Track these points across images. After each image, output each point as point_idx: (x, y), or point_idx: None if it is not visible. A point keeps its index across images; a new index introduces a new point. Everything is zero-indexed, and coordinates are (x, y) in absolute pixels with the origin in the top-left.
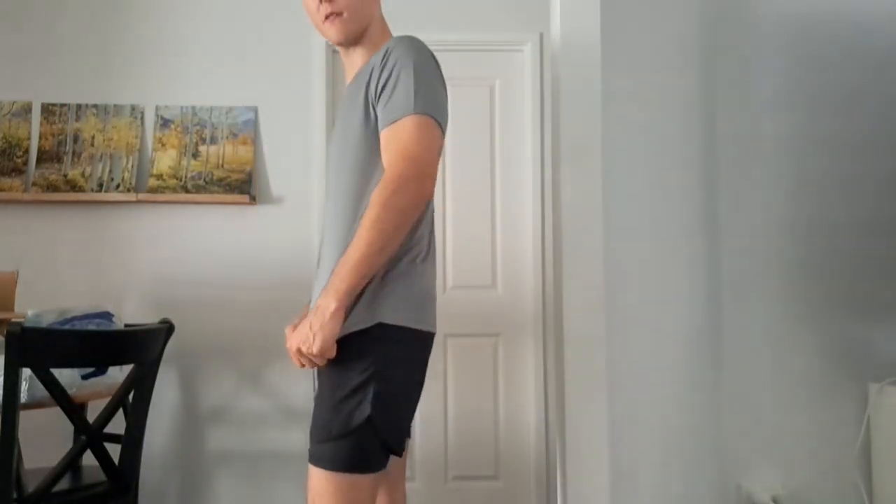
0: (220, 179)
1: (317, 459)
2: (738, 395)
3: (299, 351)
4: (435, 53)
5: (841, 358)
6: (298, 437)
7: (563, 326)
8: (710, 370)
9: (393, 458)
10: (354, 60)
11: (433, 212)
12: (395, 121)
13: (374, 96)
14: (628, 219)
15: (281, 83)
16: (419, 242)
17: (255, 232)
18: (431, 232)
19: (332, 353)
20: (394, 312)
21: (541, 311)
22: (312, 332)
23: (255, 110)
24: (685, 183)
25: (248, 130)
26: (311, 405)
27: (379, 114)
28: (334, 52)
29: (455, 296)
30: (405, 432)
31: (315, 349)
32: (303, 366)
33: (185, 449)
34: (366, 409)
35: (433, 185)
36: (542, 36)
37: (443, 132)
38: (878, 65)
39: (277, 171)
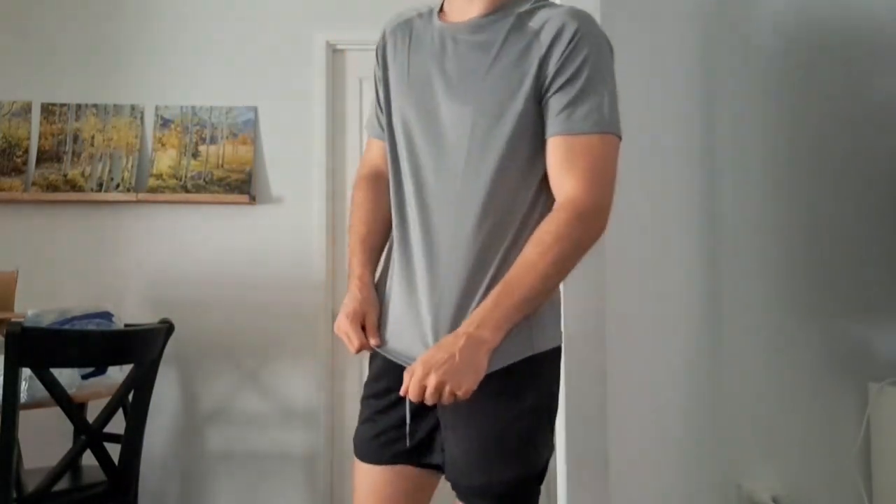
0: (220, 179)
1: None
2: (738, 396)
3: (436, 388)
4: None
5: (841, 358)
6: (298, 438)
7: (563, 326)
8: (709, 370)
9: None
10: (474, 3)
11: None
12: (591, 133)
13: (548, 79)
14: (628, 219)
15: (281, 83)
16: None
17: (255, 232)
18: None
19: (465, 394)
20: (557, 331)
21: None
22: (459, 365)
23: (255, 110)
24: (685, 183)
25: (247, 130)
26: (310, 405)
27: (557, 110)
28: (334, 52)
29: None
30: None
31: (462, 391)
32: (421, 401)
33: (185, 449)
34: (551, 443)
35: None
36: None
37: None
38: (880, 64)
39: (277, 171)
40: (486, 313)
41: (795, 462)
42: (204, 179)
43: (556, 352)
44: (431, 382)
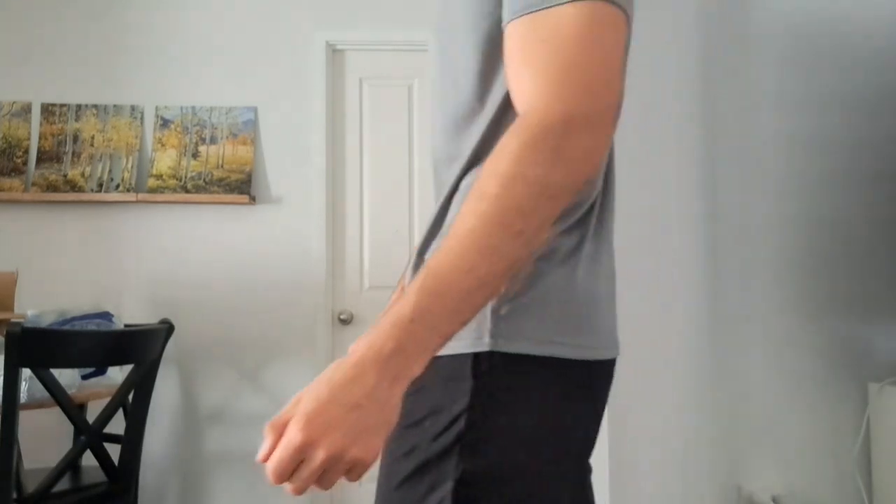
0: (220, 179)
1: None
2: (738, 395)
3: (333, 458)
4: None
5: (841, 358)
6: None
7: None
8: (710, 370)
9: None
10: None
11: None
12: (540, 7)
13: None
14: (628, 218)
15: (281, 83)
16: (582, 192)
17: (255, 232)
18: (608, 181)
19: (375, 460)
20: (533, 330)
21: None
22: (340, 416)
23: (255, 110)
24: (685, 183)
25: (247, 130)
26: None
27: None
28: (334, 52)
29: None
30: None
31: (350, 455)
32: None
33: (185, 449)
34: None
35: (614, 125)
36: None
37: (629, 23)
38: (879, 63)
39: (277, 171)
40: (400, 322)
41: (795, 462)
42: (204, 180)
43: (530, 362)
44: (318, 456)
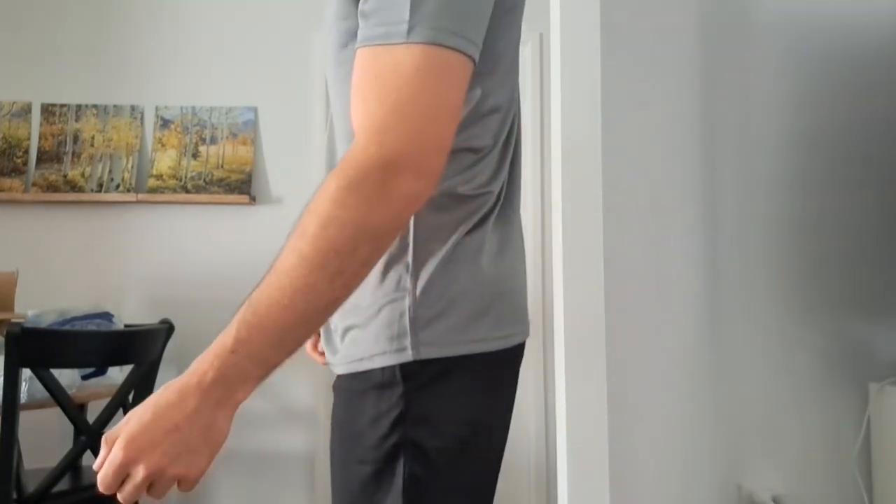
0: (220, 179)
1: None
2: (738, 395)
3: (120, 467)
4: None
5: (841, 358)
6: (299, 438)
7: (562, 326)
8: (709, 370)
9: None
10: None
11: (517, 132)
12: (382, 43)
13: None
14: (628, 219)
15: (281, 83)
16: (482, 194)
17: (255, 232)
18: (512, 172)
19: (199, 475)
20: (449, 333)
21: (540, 311)
22: (159, 437)
23: (255, 110)
24: (685, 183)
25: (247, 130)
26: (310, 405)
27: (359, 16)
28: None
29: None
30: None
31: (171, 472)
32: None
33: None
34: None
35: (438, 172)
36: (542, 36)
37: (474, 62)
38: (880, 63)
39: (277, 171)
40: (221, 353)
41: (796, 462)
42: (204, 180)
43: (451, 362)
44: (139, 473)
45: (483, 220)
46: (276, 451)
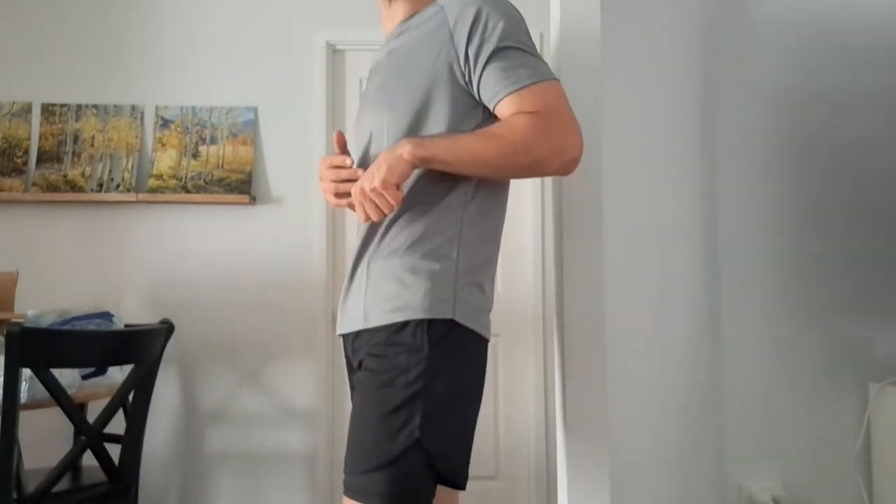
0: (220, 179)
1: (354, 492)
2: (738, 395)
3: (363, 191)
4: None
5: (841, 358)
6: (298, 437)
7: (562, 326)
8: (710, 370)
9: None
10: (395, 13)
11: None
12: (535, 83)
13: (469, 61)
14: (628, 219)
15: (281, 83)
16: (497, 236)
17: (255, 232)
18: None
19: (398, 197)
20: (473, 312)
21: (540, 311)
22: (377, 166)
23: (255, 110)
24: (685, 183)
25: (248, 130)
26: (310, 405)
27: (494, 79)
28: (334, 52)
29: None
30: (466, 458)
31: (377, 181)
32: (367, 218)
33: (185, 449)
34: (414, 432)
35: (571, 168)
36: (541, 36)
37: None
38: (880, 63)
39: (277, 171)
40: (417, 140)
41: (796, 462)
42: (204, 180)
43: (468, 334)
44: (356, 190)
45: (494, 239)
46: (276, 451)
